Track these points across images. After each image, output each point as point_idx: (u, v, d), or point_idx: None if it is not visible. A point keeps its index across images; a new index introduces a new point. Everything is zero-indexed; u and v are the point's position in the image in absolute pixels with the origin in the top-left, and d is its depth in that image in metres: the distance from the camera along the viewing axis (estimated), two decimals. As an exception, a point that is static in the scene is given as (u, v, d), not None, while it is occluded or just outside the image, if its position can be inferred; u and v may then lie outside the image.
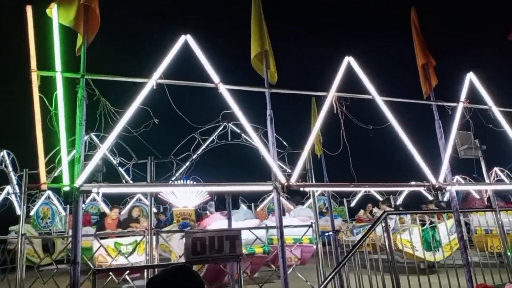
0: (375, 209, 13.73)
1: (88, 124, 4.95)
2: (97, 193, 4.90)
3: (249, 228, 9.02)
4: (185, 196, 15.65)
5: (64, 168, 4.48)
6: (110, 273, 8.22)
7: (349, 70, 6.30)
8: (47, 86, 4.77)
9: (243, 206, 17.91)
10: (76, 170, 4.46)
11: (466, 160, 7.47)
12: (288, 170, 13.59)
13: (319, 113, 6.18)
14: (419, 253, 8.17)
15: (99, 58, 6.49)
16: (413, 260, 7.22)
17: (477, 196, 13.57)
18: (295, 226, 8.71)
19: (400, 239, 7.90)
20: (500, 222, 7.61)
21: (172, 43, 5.49)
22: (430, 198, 17.05)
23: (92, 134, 11.94)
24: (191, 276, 1.73)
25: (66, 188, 4.41)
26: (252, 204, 19.33)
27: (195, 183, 8.14)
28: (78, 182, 4.36)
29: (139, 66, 5.97)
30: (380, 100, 6.19)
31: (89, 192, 4.62)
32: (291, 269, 7.87)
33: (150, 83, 5.05)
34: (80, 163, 4.50)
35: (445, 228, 9.32)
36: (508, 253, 7.02)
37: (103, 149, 5.09)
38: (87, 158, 5.08)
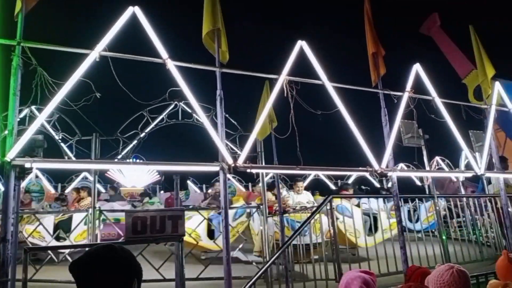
0: None
1: (24, 96, 4.66)
2: (38, 169, 4.64)
3: (197, 209, 9.00)
4: (134, 175, 15.32)
5: (-5, 140, 4.19)
6: (49, 251, 7.94)
7: (302, 54, 6.30)
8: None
9: (192, 187, 17.85)
10: (8, 144, 4.19)
11: (409, 148, 7.78)
12: (239, 152, 13.58)
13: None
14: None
15: (40, 26, 6.09)
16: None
17: (454, 179, 14.01)
18: (243, 207, 8.78)
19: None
20: (437, 208, 8.10)
21: (119, 15, 5.23)
22: (377, 184, 17.79)
23: (33, 107, 11.28)
24: (113, 256, 1.64)
25: (-4, 162, 4.14)
26: (204, 186, 19.25)
27: (139, 161, 7.91)
28: (9, 156, 4.10)
29: (84, 37, 5.64)
30: (329, 86, 6.25)
31: (25, 169, 4.37)
32: (236, 250, 7.95)
33: (93, 55, 4.80)
34: (13, 136, 4.22)
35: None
36: (444, 237, 7.47)
37: (39, 121, 4.80)
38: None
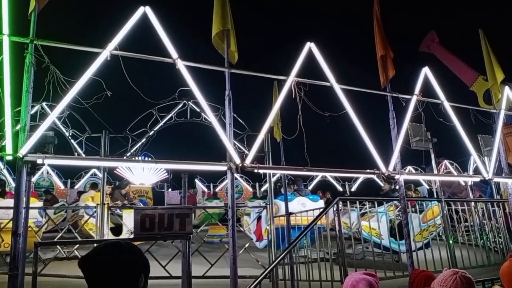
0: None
1: (36, 93, 4.74)
2: (48, 165, 4.72)
3: (204, 208, 9.07)
4: (142, 173, 15.43)
5: (8, 136, 4.28)
6: (58, 246, 8.07)
7: (310, 56, 6.32)
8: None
9: (199, 185, 17.94)
10: (20, 140, 4.27)
11: (417, 151, 7.77)
12: (247, 152, 13.59)
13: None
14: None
15: (53, 24, 6.18)
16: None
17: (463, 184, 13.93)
18: (251, 207, 8.83)
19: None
20: (445, 212, 8.03)
21: (131, 14, 5.30)
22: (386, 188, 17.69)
23: (43, 104, 11.41)
24: (120, 253, 1.69)
25: (9, 158, 4.23)
26: (211, 185, 19.32)
27: (147, 159, 7.98)
28: (22, 151, 4.18)
29: (96, 36, 5.72)
30: (338, 88, 6.27)
31: (36, 164, 4.46)
32: (243, 249, 7.99)
33: (104, 54, 4.86)
34: (25, 132, 4.30)
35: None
36: (450, 242, 7.43)
37: (51, 118, 4.87)
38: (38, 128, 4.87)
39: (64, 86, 4.84)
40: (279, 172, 8.97)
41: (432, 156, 8.13)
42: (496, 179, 7.93)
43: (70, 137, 13.92)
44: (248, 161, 5.39)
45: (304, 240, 7.81)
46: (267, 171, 7.16)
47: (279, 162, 7.54)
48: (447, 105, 7.26)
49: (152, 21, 5.33)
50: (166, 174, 15.91)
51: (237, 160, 5.27)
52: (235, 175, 5.47)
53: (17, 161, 4.23)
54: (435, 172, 8.43)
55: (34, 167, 4.43)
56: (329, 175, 17.64)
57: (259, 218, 9.22)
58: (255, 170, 5.53)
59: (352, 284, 2.62)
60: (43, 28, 4.90)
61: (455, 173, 14.32)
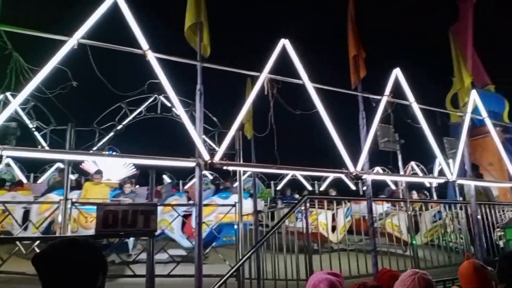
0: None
1: (-1, 81, 4.52)
2: (10, 157, 4.50)
3: (172, 205, 8.91)
4: (109, 168, 15.03)
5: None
6: (17, 242, 7.75)
7: (284, 52, 6.31)
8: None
9: (167, 181, 17.66)
10: (-23, 129, 4.05)
11: (385, 152, 7.89)
12: (217, 149, 13.47)
13: (253, 93, 6.14)
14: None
15: (17, 9, 5.91)
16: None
17: (393, 187, 14.47)
18: (219, 205, 8.73)
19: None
20: (409, 213, 8.22)
21: (101, 2, 5.12)
22: (353, 187, 17.98)
23: (8, 94, 10.91)
24: (76, 250, 1.61)
25: (-36, 148, 4.00)
26: (180, 182, 19.04)
27: (115, 153, 7.79)
28: (-22, 142, 3.96)
29: (63, 24, 5.49)
30: (310, 86, 6.28)
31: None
32: (210, 247, 7.91)
33: (71, 42, 4.68)
34: (-18, 122, 4.09)
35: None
36: (414, 242, 7.59)
37: (11, 108, 4.66)
38: None
39: (28, 74, 4.63)
40: (249, 170, 8.94)
41: (399, 157, 8.30)
42: (460, 181, 8.16)
43: (34, 129, 13.38)
44: (217, 157, 5.32)
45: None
46: (237, 168, 7.10)
47: (250, 160, 7.51)
48: (415, 107, 7.41)
49: (122, 10, 5.16)
50: (135, 170, 15.59)
51: (206, 157, 5.19)
52: (204, 172, 5.39)
53: (-27, 152, 4.01)
54: (402, 173, 8.62)
55: (-7, 159, 4.22)
56: (299, 174, 17.74)
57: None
58: (224, 167, 5.48)
59: (314, 284, 2.61)
60: (7, 13, 4.67)
61: (421, 174, 14.68)
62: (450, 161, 8.30)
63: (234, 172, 8.03)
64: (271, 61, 6.06)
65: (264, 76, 5.91)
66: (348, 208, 9.22)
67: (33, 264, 1.60)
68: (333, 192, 12.57)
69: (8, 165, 16.43)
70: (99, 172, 10.33)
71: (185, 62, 5.56)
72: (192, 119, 5.71)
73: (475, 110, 8.65)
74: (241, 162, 7.21)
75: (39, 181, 17.25)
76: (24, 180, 17.18)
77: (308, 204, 6.53)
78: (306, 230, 6.42)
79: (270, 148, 6.55)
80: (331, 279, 2.58)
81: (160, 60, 5.28)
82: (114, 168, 15.37)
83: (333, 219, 9.20)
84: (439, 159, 8.17)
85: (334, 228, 9.09)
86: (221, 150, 5.44)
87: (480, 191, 9.18)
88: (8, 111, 4.53)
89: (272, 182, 19.98)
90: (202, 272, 4.91)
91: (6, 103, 12.37)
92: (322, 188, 18.94)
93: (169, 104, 14.24)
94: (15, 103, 4.99)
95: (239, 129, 6.76)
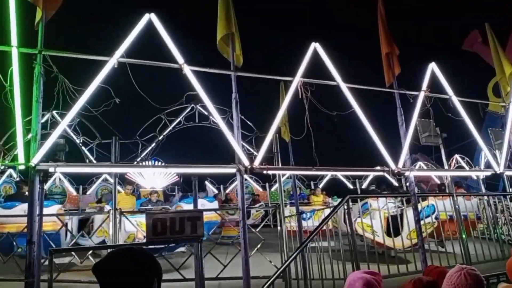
0: None
1: (46, 102, 4.82)
2: (59, 172, 4.79)
3: (214, 210, 9.11)
4: (152, 177, 15.50)
5: (20, 146, 4.36)
6: (73, 253, 8.15)
7: (316, 56, 6.34)
8: (3, 61, 4.61)
9: (210, 188, 18.02)
10: (32, 149, 4.35)
11: (427, 147, 7.71)
12: (255, 153, 13.60)
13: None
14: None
15: (60, 34, 6.28)
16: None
17: (437, 181, 14.05)
18: (258, 207, 8.85)
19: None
20: (456, 207, 7.95)
21: (136, 22, 5.37)
22: (396, 183, 17.60)
23: (54, 112, 11.55)
24: (133, 259, 1.72)
25: (22, 167, 4.31)
26: (221, 186, 19.37)
27: (157, 163, 8.05)
28: (34, 161, 4.26)
29: (102, 45, 5.80)
30: (344, 87, 6.27)
31: (49, 173, 4.53)
32: (255, 249, 8.01)
33: (111, 62, 4.94)
34: (36, 142, 4.39)
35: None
36: (464, 236, 7.35)
37: (61, 127, 4.95)
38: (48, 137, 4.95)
39: (73, 94, 4.92)
40: (288, 173, 8.99)
41: (442, 151, 8.08)
42: (508, 173, 7.85)
43: (81, 144, 14.07)
44: (257, 162, 5.43)
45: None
46: (277, 172, 7.17)
47: (288, 162, 7.56)
48: (455, 100, 7.22)
49: (157, 27, 5.40)
50: (177, 177, 15.99)
51: (246, 162, 5.31)
52: (245, 176, 5.50)
53: (29, 170, 4.30)
54: (446, 167, 8.38)
55: (46, 176, 4.52)
56: (339, 174, 17.59)
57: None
58: (264, 171, 5.56)
59: (350, 283, 2.63)
60: (50, 38, 4.98)
61: (466, 167, 14.19)
62: (497, 152, 8.01)
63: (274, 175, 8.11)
64: (303, 65, 6.11)
65: (297, 80, 5.97)
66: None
67: (94, 273, 1.70)
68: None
69: (59, 179, 17.32)
70: (130, 183, 10.68)
71: (219, 73, 5.71)
72: (229, 125, 5.84)
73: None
74: (280, 165, 7.28)
75: (88, 192, 18.08)
76: (74, 193, 18.04)
77: (350, 204, 6.48)
78: (351, 231, 6.39)
79: (307, 150, 6.58)
80: (367, 278, 2.59)
81: (195, 72, 5.46)
82: (157, 177, 15.87)
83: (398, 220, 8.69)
84: (484, 151, 7.90)
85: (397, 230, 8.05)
86: (260, 155, 5.54)
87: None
88: (58, 130, 4.83)
89: (312, 183, 19.93)
90: (250, 274, 5.01)
91: (53, 121, 13.11)
92: (364, 186, 18.67)
93: (206, 113, 14.57)
94: (65, 122, 5.31)
95: (276, 132, 6.84)
